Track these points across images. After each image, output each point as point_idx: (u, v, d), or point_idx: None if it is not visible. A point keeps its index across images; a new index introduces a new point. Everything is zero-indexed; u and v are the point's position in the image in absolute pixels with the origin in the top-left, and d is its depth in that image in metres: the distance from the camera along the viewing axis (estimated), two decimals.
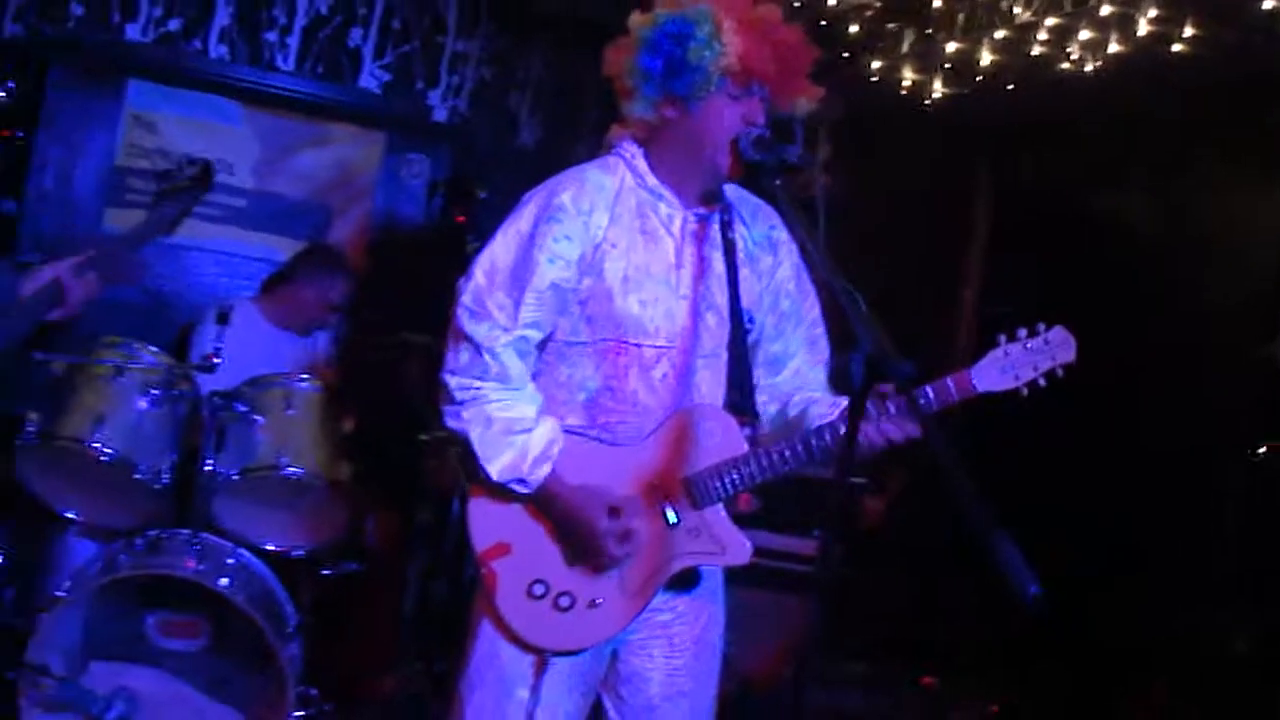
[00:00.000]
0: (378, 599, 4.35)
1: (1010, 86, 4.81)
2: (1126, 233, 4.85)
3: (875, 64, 5.10)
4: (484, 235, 5.05)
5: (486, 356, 2.53)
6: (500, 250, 2.59)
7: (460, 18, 5.62)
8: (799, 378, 2.75)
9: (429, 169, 5.69)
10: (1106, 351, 4.35)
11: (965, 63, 4.84)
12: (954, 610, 4.17)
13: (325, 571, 4.15)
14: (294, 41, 5.34)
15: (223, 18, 5.24)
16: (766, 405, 2.71)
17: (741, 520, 3.51)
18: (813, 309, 2.79)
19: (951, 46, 4.79)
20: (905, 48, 4.99)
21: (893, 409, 2.40)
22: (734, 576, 4.02)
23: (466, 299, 2.57)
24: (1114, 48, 4.42)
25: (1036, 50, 4.61)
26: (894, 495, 4.74)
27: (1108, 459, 4.39)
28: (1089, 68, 4.53)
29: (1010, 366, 2.46)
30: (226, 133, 5.32)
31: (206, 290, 5.31)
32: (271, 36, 5.31)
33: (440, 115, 5.57)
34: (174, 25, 5.19)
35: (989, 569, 1.68)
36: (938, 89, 5.04)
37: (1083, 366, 2.47)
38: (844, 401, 2.58)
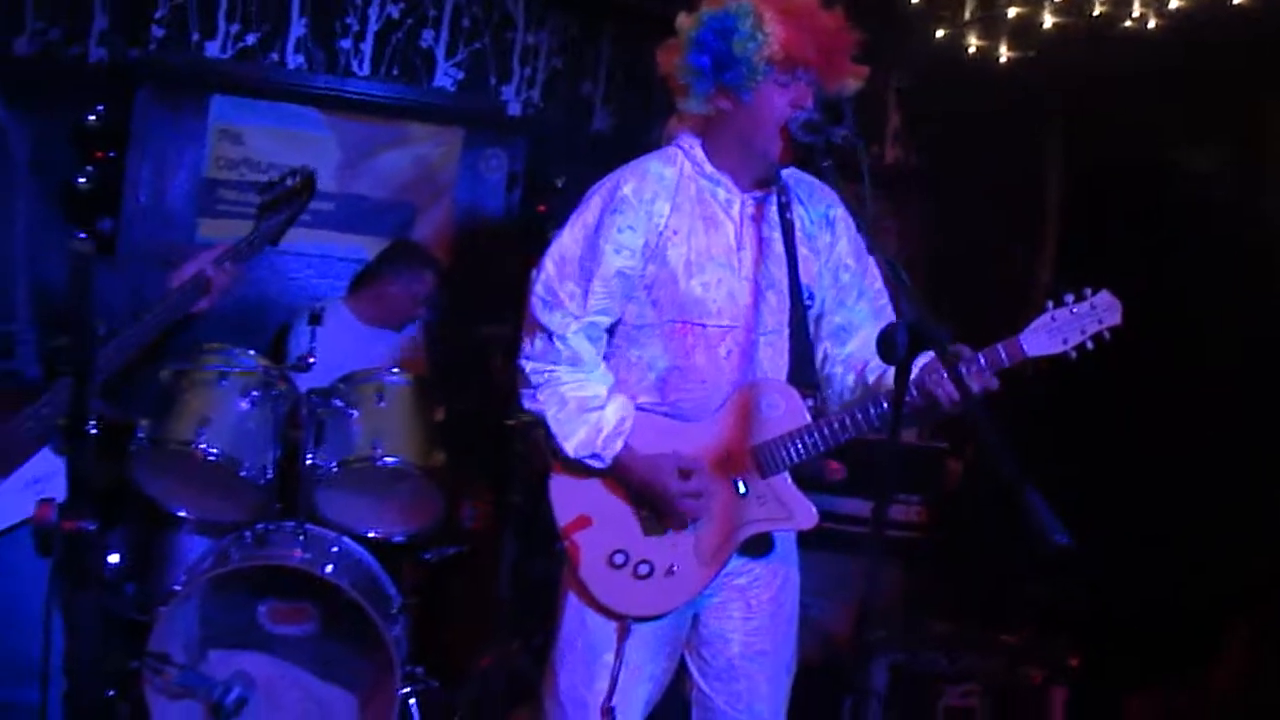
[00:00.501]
0: (477, 579, 4.52)
1: (1072, 47, 4.83)
2: (1200, 190, 4.83)
3: (940, 32, 5.15)
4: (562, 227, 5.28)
5: (559, 343, 2.72)
6: (568, 242, 2.78)
7: (528, 11, 5.74)
8: (869, 347, 2.79)
9: (507, 162, 5.83)
10: (1185, 310, 4.41)
11: (1028, 26, 4.87)
12: (1035, 566, 4.23)
13: (426, 555, 4.35)
14: (368, 47, 5.49)
15: (298, 29, 5.41)
16: (843, 376, 2.84)
17: (832, 487, 3.68)
18: (875, 280, 2.91)
19: (1013, 11, 4.83)
20: (968, 14, 5.04)
21: (967, 370, 2.52)
22: (824, 542, 4.18)
23: (539, 289, 2.77)
24: (1175, 3, 4.44)
25: (1098, 10, 4.65)
26: (974, 457, 4.83)
27: (1190, 416, 4.42)
28: (1151, 24, 4.55)
29: (1058, 331, 2.56)
30: (309, 139, 5.51)
31: (300, 292, 5.53)
32: (346, 44, 5.47)
33: (514, 109, 5.70)
34: (251, 40, 5.38)
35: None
36: (1004, 54, 5.08)
37: (1165, 329, 2.56)
38: (920, 358, 2.71)
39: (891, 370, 2.67)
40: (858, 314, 2.88)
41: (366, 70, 5.51)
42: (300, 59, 5.44)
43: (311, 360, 3.88)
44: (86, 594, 2.11)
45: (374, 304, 4.94)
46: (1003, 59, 5.08)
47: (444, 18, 5.61)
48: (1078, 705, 3.82)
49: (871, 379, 2.78)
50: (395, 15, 5.52)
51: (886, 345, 2.03)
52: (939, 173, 5.87)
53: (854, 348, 2.86)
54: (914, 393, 2.55)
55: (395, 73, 5.55)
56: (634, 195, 2.73)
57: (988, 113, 5.42)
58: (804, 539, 2.85)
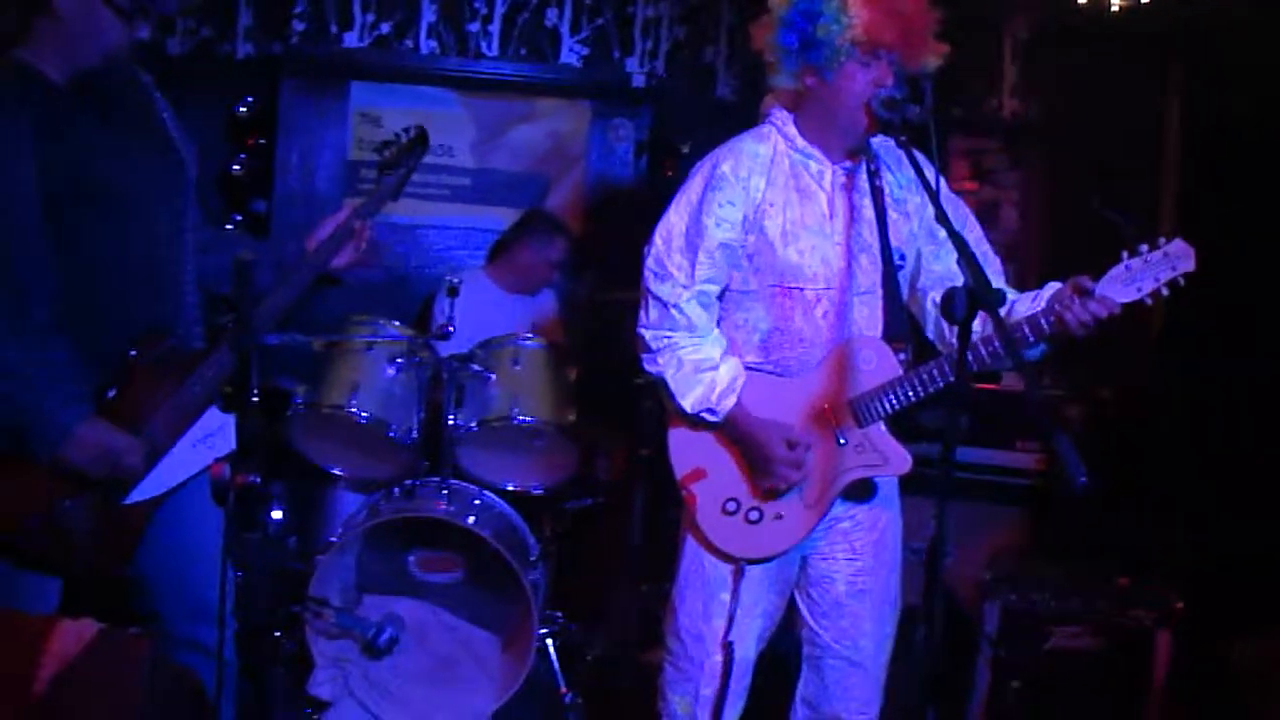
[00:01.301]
0: (612, 528, 4.78)
1: None
2: None
3: None
4: None
5: (673, 311, 2.96)
6: (675, 218, 3.01)
7: None
8: None
9: (634, 131, 6.01)
10: None
11: None
12: (1148, 510, 4.30)
13: (567, 505, 4.60)
14: (495, 29, 5.75)
15: (429, 15, 5.70)
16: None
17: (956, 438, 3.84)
18: (973, 229, 3.05)
19: None
20: None
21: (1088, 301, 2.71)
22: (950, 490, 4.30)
23: (650, 263, 3.01)
24: None
25: None
26: (1097, 404, 4.88)
27: None
28: None
29: (1133, 280, 2.70)
30: (444, 118, 5.77)
31: (442, 263, 5.82)
32: (474, 27, 5.73)
33: (639, 81, 5.89)
34: (386, 28, 5.68)
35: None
36: (1116, 2, 5.11)
37: None
38: (1044, 290, 2.88)
39: (1019, 301, 2.90)
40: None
41: (495, 51, 5.77)
42: (433, 44, 5.72)
43: (450, 329, 4.12)
44: (255, 538, 2.38)
45: (510, 271, 5.22)
46: (1115, 6, 5.06)
47: None
48: (1183, 649, 3.86)
49: (1020, 304, 2.92)
50: None
51: (948, 307, 2.23)
52: (1057, 124, 5.87)
53: None
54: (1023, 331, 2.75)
55: (523, 52, 5.79)
56: (731, 173, 2.95)
57: (1106, 63, 5.40)
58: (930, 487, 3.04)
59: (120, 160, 2.75)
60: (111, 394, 2.70)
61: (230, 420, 2.47)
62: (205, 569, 2.65)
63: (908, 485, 3.10)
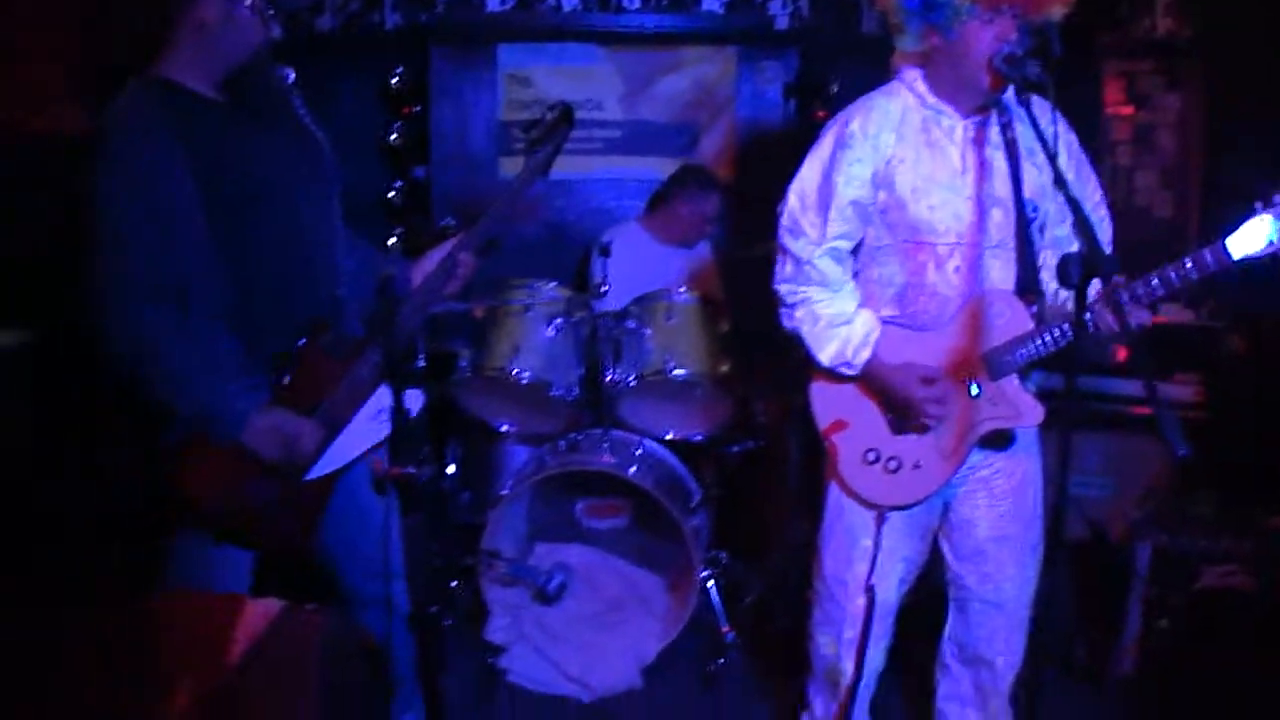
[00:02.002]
0: (771, 470, 4.92)
1: None
2: None
3: None
4: None
5: (806, 267, 3.14)
6: (807, 176, 3.18)
7: None
8: None
9: (781, 74, 6.10)
10: None
11: None
12: None
13: (727, 449, 4.76)
14: None
15: None
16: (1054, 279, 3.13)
17: (1108, 370, 3.93)
18: (1095, 191, 3.16)
19: None
20: None
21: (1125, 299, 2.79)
22: (1100, 424, 4.36)
23: (785, 220, 3.19)
24: None
25: None
26: (1258, 333, 4.84)
27: None
28: None
29: (1264, 231, 2.72)
30: (591, 73, 5.99)
31: (597, 215, 6.05)
32: None
33: (782, 24, 5.97)
34: None
35: None
36: None
37: None
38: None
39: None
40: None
41: (638, 3, 5.90)
42: (575, 1, 5.89)
43: (605, 288, 4.36)
44: (415, 519, 2.63)
45: (666, 225, 5.39)
46: None
47: None
48: None
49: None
50: None
51: (1063, 273, 2.36)
52: (1214, 43, 5.73)
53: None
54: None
55: (665, 2, 5.92)
56: (860, 130, 3.08)
57: None
58: (1083, 421, 3.07)
59: (270, 160, 2.94)
60: (285, 381, 2.93)
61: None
62: (378, 533, 2.94)
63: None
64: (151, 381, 2.77)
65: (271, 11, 2.91)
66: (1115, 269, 2.47)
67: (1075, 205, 2.50)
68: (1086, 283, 2.36)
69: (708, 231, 5.47)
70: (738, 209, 5.70)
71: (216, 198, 2.81)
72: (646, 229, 5.43)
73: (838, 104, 5.68)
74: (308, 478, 2.96)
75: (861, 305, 3.17)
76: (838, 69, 5.92)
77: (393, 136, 5.91)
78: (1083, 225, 2.42)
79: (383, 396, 2.99)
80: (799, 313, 3.19)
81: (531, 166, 3.40)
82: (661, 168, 5.83)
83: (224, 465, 2.85)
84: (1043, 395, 3.04)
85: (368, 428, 3.03)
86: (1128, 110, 5.91)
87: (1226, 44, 5.64)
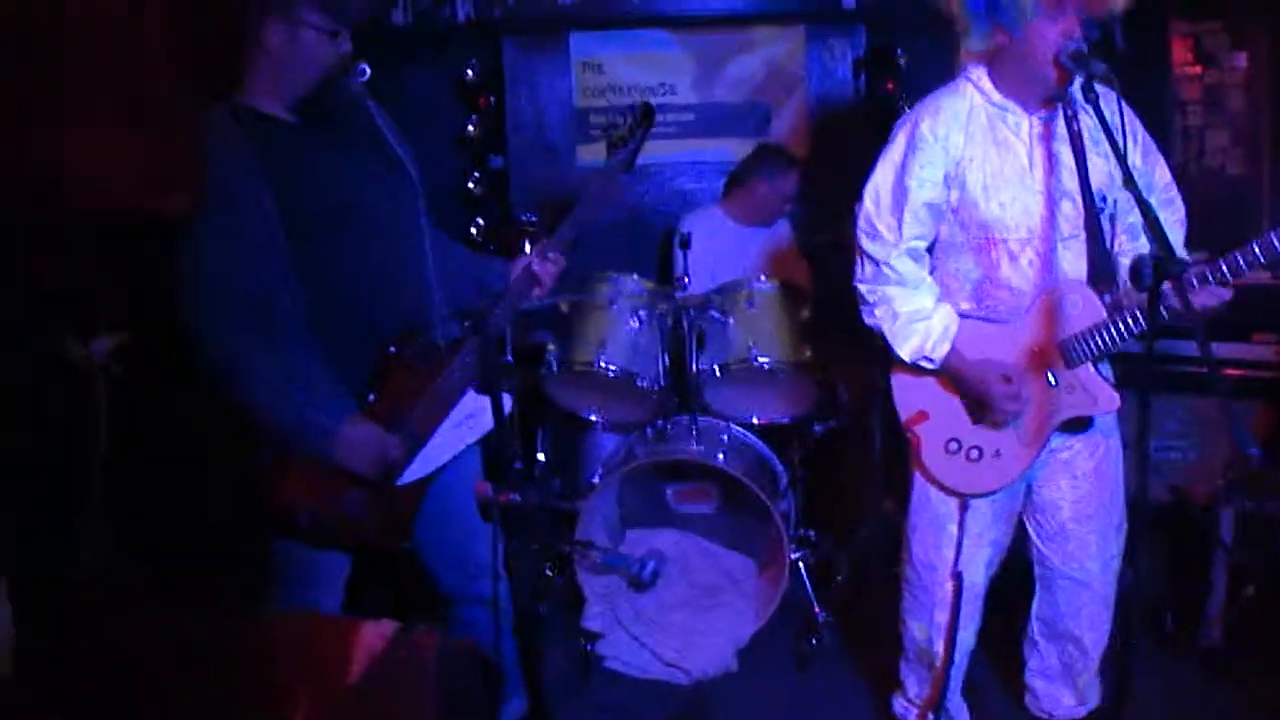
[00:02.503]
0: (857, 448, 5.06)
1: None
2: None
3: None
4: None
5: (884, 267, 3.28)
6: (880, 179, 3.30)
7: None
8: None
9: (850, 49, 6.25)
10: None
11: None
12: None
13: (815, 428, 4.92)
14: None
15: None
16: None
17: (1178, 332, 3.98)
18: (1163, 175, 3.27)
19: None
20: None
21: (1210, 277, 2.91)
22: (1183, 386, 4.42)
23: (861, 222, 3.33)
24: None
25: None
26: None
27: None
28: None
29: None
30: (663, 58, 6.16)
31: (675, 198, 6.26)
32: None
33: (850, 2, 6.07)
34: None
35: None
36: None
37: None
38: (1197, 257, 3.10)
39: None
40: None
41: None
42: None
43: (687, 280, 4.54)
44: (522, 538, 2.78)
45: (745, 205, 5.51)
46: None
47: None
48: None
49: None
50: None
51: (1136, 275, 2.48)
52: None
53: (1143, 239, 3.14)
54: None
55: None
56: (930, 133, 3.20)
57: None
58: (1165, 384, 3.14)
59: (351, 177, 3.06)
60: (373, 392, 3.08)
61: (487, 401, 2.88)
62: (475, 533, 3.12)
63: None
64: (242, 400, 2.91)
65: (339, 30, 3.00)
66: (1185, 269, 2.58)
67: (1145, 206, 2.59)
68: (1159, 284, 2.46)
69: (786, 210, 5.60)
70: (814, 185, 5.79)
71: (299, 217, 2.93)
72: (725, 211, 5.56)
73: (907, 76, 5.93)
74: (400, 483, 3.11)
75: (940, 300, 3.30)
76: (905, 41, 6.04)
77: (469, 128, 6.10)
78: (1154, 226, 2.53)
79: (470, 402, 3.16)
80: (879, 310, 3.34)
81: (614, 166, 3.48)
82: (736, 149, 5.96)
83: (316, 478, 3.00)
84: (1121, 359, 3.15)
85: (456, 433, 3.18)
86: (1196, 70, 5.92)
87: None
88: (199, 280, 2.85)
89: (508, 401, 2.92)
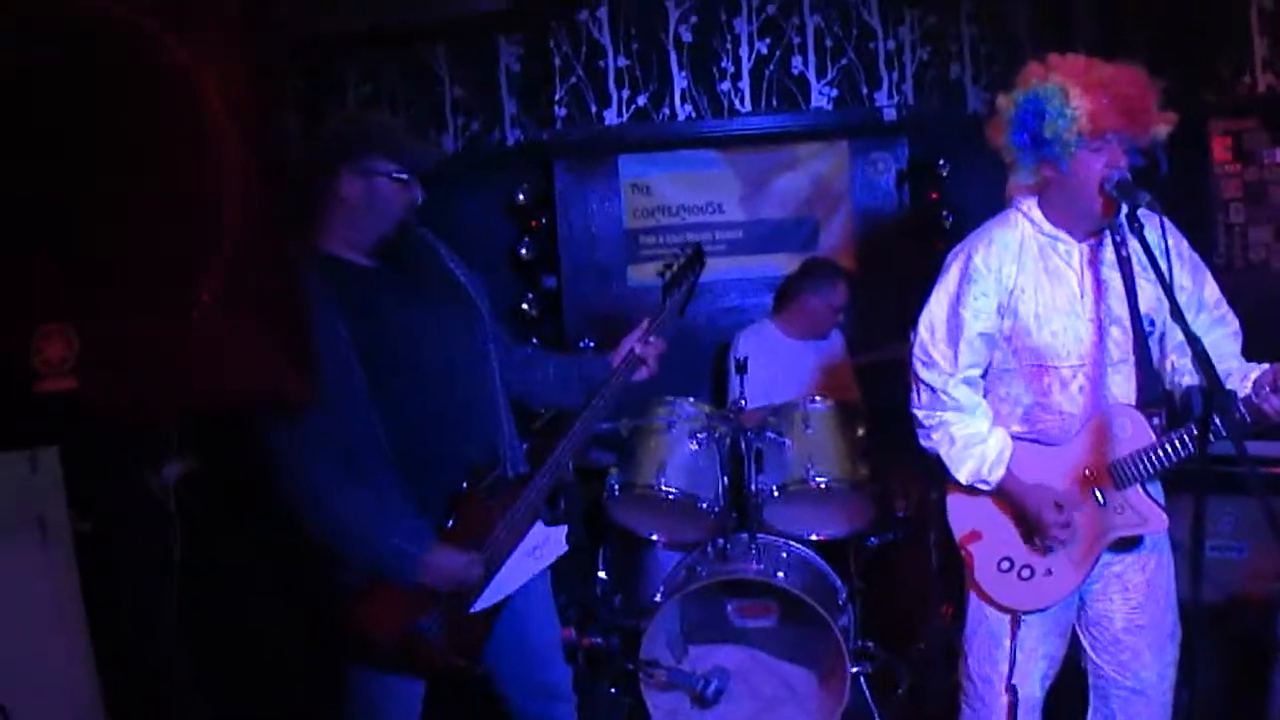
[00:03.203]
0: (914, 560, 5.17)
1: None
2: None
3: None
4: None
5: (941, 394, 3.49)
6: (935, 309, 3.51)
7: (883, 17, 6.42)
8: (1216, 353, 3.20)
9: (893, 162, 6.52)
10: None
11: None
12: None
13: (869, 541, 5.10)
14: (745, 85, 6.37)
15: (681, 82, 6.35)
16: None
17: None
18: (1213, 292, 3.44)
19: None
20: None
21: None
22: (1241, 487, 4.49)
23: (917, 351, 3.54)
24: None
25: None
26: None
27: None
28: None
29: None
30: (709, 178, 6.45)
31: (727, 315, 6.50)
32: (725, 86, 6.36)
33: (890, 115, 6.38)
34: (642, 101, 6.37)
35: None
36: None
37: None
38: (1257, 369, 3.22)
39: (1231, 376, 3.23)
40: (1199, 326, 3.24)
41: (749, 106, 6.38)
42: (688, 108, 6.37)
43: (743, 403, 4.77)
44: (601, 685, 2.93)
45: (796, 319, 5.72)
46: None
47: (808, 43, 6.38)
48: None
49: (1230, 380, 3.19)
50: (764, 51, 6.37)
51: (1185, 406, 2.66)
52: None
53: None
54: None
55: (775, 103, 6.38)
56: (984, 264, 3.40)
57: None
58: (1214, 485, 3.24)
59: (424, 319, 3.25)
60: (450, 523, 3.23)
61: (554, 532, 3.18)
62: (544, 657, 3.33)
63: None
64: (324, 532, 3.12)
65: (409, 177, 3.22)
66: (1233, 402, 2.76)
67: (1192, 338, 2.79)
68: (1209, 415, 2.66)
69: (838, 321, 5.79)
70: (862, 295, 5.98)
71: (376, 357, 3.11)
72: (777, 325, 5.78)
73: (949, 185, 6.16)
74: (472, 609, 3.28)
75: (994, 424, 3.50)
76: (946, 151, 6.30)
77: (522, 250, 6.40)
78: (1201, 359, 2.73)
79: (538, 532, 3.36)
80: (936, 435, 3.53)
81: (670, 308, 3.65)
82: (784, 263, 6.24)
83: (397, 604, 3.16)
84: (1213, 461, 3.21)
85: (526, 562, 3.37)
86: (1235, 168, 6.04)
87: None
88: (283, 422, 3.04)
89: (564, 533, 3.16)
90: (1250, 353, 3.43)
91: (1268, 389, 3.09)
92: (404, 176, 3.21)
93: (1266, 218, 6.03)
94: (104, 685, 3.45)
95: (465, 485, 3.28)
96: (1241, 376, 3.24)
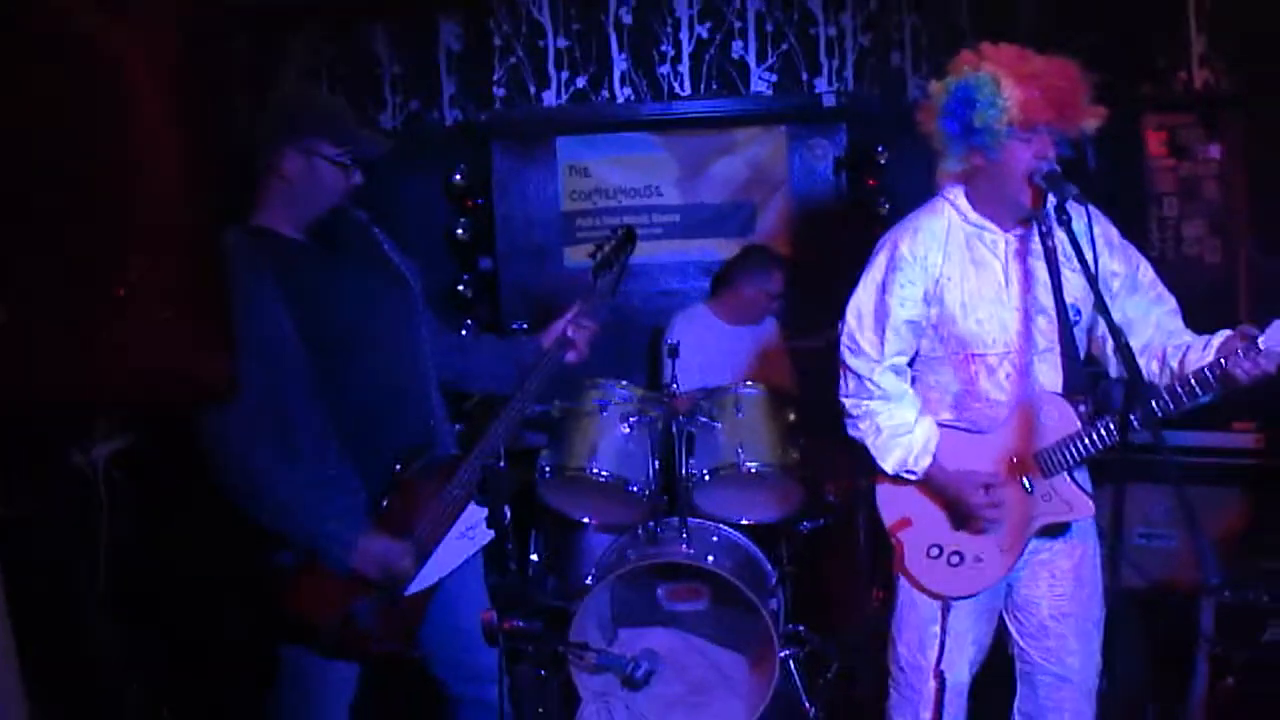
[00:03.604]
0: (842, 545, 5.25)
1: None
2: None
3: None
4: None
5: (867, 383, 3.51)
6: (863, 297, 3.53)
7: (824, 4, 6.46)
8: (1162, 331, 3.41)
9: (831, 148, 6.55)
10: None
11: None
12: None
13: (799, 527, 5.13)
14: (685, 68, 6.39)
15: (620, 64, 6.37)
16: (1147, 364, 3.36)
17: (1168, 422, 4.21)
18: (1147, 273, 3.46)
19: None
20: None
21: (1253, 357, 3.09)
22: (1164, 475, 4.55)
23: (845, 339, 3.56)
24: None
25: None
26: None
27: None
28: None
29: None
30: (647, 161, 6.47)
31: (662, 297, 6.53)
32: (665, 69, 6.37)
33: (829, 100, 6.39)
34: (581, 82, 6.38)
35: None
36: None
37: None
38: (1214, 338, 3.25)
39: (1192, 349, 3.27)
40: (1137, 308, 3.41)
41: (688, 90, 6.39)
42: (627, 91, 6.39)
43: (675, 387, 4.77)
44: (522, 666, 2.94)
45: (732, 305, 5.76)
46: None
47: (749, 28, 6.39)
48: None
49: (1174, 362, 3.28)
50: (705, 35, 6.37)
51: (1105, 398, 2.70)
52: (1252, 92, 5.94)
53: (1146, 337, 3.38)
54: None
55: (715, 86, 6.39)
56: (909, 253, 3.42)
57: None
58: (1145, 474, 3.30)
59: (359, 297, 3.27)
60: (384, 506, 3.27)
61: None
62: (477, 640, 3.21)
63: (1133, 473, 3.43)
64: (262, 513, 3.11)
65: (350, 161, 3.23)
66: (1156, 396, 2.80)
67: (1115, 331, 2.86)
68: (1130, 410, 2.70)
69: (773, 308, 5.83)
70: (798, 282, 6.01)
71: (312, 334, 3.12)
72: (712, 310, 5.80)
73: (887, 173, 6.18)
74: (406, 592, 3.30)
75: (921, 412, 3.52)
76: (885, 139, 6.34)
77: (459, 231, 6.38)
78: (1124, 351, 2.78)
79: (471, 514, 3.34)
80: (863, 424, 3.56)
81: (600, 289, 3.69)
82: (721, 248, 6.30)
83: (332, 588, 3.17)
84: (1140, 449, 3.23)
85: (459, 544, 3.38)
86: (1170, 163, 6.16)
87: (1265, 94, 5.86)
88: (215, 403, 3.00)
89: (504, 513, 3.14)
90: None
91: (1239, 353, 3.11)
92: (346, 162, 3.22)
93: (1200, 212, 6.14)
94: (28, 676, 3.40)
95: (399, 467, 3.29)
96: (1203, 345, 3.27)
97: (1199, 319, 3.44)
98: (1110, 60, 6.18)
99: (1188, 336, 3.37)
